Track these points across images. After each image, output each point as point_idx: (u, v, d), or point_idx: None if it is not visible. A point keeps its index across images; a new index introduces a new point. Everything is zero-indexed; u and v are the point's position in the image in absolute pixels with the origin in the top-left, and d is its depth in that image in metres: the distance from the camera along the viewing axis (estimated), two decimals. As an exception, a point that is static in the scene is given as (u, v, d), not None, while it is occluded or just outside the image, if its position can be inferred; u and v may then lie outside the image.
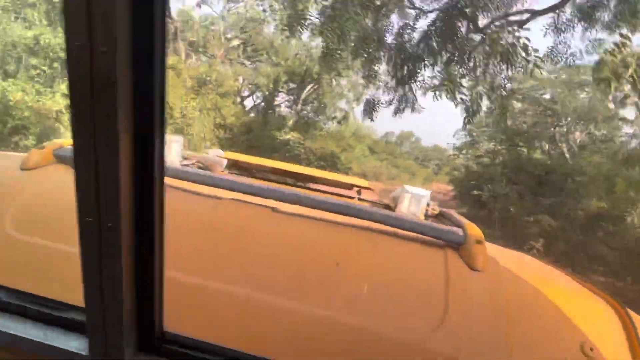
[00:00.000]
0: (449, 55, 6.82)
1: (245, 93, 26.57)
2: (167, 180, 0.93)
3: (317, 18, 7.43)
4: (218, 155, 1.98)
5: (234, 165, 2.02)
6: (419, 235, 1.09)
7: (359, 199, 2.01)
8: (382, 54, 8.56)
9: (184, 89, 12.25)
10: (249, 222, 1.12)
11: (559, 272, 1.39)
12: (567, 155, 24.52)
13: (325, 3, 7.67)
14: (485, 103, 7.96)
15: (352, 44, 8.06)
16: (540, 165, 18.48)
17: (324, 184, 2.02)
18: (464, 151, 25.09)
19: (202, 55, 18.46)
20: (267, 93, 21.85)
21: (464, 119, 7.48)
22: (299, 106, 25.44)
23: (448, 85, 6.48)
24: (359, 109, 32.80)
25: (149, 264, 0.73)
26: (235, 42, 18.78)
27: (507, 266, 1.11)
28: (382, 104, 8.91)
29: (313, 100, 27.22)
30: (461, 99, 7.31)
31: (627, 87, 26.45)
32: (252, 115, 22.09)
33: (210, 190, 1.18)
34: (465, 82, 6.99)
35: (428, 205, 1.51)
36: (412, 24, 8.24)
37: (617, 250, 11.21)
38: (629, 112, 27.65)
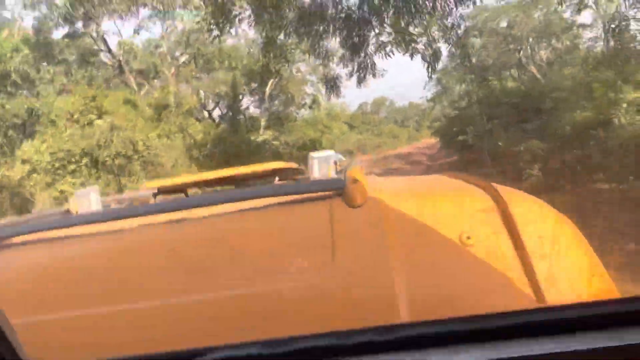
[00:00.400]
0: (393, 8, 6.43)
1: (211, 105, 26.03)
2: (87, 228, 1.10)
3: (247, 9, 6.96)
4: (146, 188, 1.91)
5: (162, 193, 1.91)
6: (309, 195, 1.12)
7: (280, 179, 2.04)
8: (327, 28, 8.15)
9: (143, 120, 11.77)
10: (153, 240, 1.14)
11: (440, 177, 1.47)
12: (539, 76, 24.33)
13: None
14: (443, 47, 7.59)
15: (294, 26, 7.68)
16: (514, 92, 18.23)
17: (248, 179, 2.09)
18: (438, 101, 24.81)
19: (156, 81, 17.88)
20: (229, 100, 21.35)
21: (427, 68, 7.13)
22: (267, 103, 24.95)
23: (397, 39, 6.12)
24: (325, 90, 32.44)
25: None
26: (183, 58, 18.18)
27: (389, 192, 1.13)
28: (341, 77, 8.53)
29: (279, 94, 26.72)
30: (414, 48, 6.93)
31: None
32: (222, 125, 21.62)
33: (120, 223, 1.17)
34: (416, 30, 6.63)
35: (336, 163, 1.54)
36: None
37: (613, 153, 10.99)
38: (585, 17, 27.44)
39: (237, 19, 7.02)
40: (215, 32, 6.80)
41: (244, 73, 24.08)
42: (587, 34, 26.14)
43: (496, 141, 15.99)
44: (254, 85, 25.76)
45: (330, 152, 1.52)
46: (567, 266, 0.94)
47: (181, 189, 1.91)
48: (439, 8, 5.82)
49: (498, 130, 16.23)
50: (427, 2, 5.71)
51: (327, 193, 1.10)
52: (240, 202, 1.11)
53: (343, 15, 7.43)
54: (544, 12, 24.46)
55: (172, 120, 12.23)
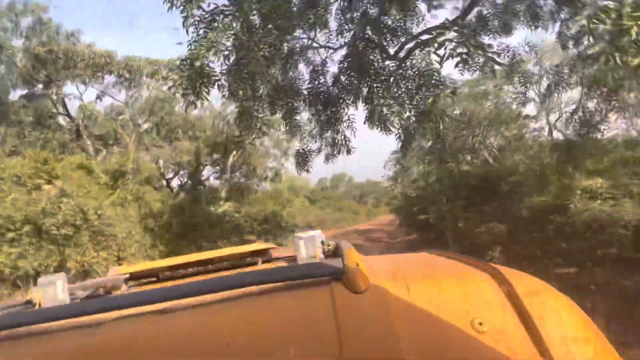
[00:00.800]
0: (368, 88, 6.46)
1: (170, 174, 25.35)
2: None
3: (221, 75, 6.80)
4: (118, 274, 1.71)
5: (136, 278, 1.77)
6: (307, 280, 1.03)
7: (264, 262, 1.83)
8: (300, 103, 8.11)
9: (98, 187, 11.03)
10: (133, 336, 1.01)
11: (440, 258, 1.41)
12: (491, 160, 25.53)
13: (227, 63, 7.17)
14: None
15: (268, 100, 7.58)
16: (471, 175, 18.80)
17: (227, 261, 1.87)
18: (398, 180, 25.25)
19: (115, 147, 17.24)
20: (191, 169, 20.87)
21: (401, 147, 7.05)
22: (228, 174, 24.57)
23: (372, 116, 6.10)
24: (288, 164, 32.48)
25: None
26: (145, 126, 17.80)
27: (391, 274, 1.06)
28: (312, 152, 8.34)
29: (241, 165, 26.50)
30: (388, 126, 6.93)
31: (522, 88, 28.37)
32: (181, 195, 20.88)
33: (93, 318, 1.03)
34: (390, 110, 6.66)
35: (323, 243, 1.45)
36: (320, 68, 7.90)
37: (571, 238, 11.18)
38: (530, 110, 29.62)
39: (216, 84, 6.81)
40: (191, 98, 6.52)
41: (206, 144, 23.86)
42: (532, 124, 28.22)
43: (456, 222, 16.13)
44: (216, 156, 25.51)
45: (316, 232, 1.42)
46: (582, 350, 0.92)
47: (154, 274, 1.73)
48: (413, 91, 5.89)
49: (458, 211, 16.43)
50: (401, 84, 5.76)
51: (325, 278, 1.03)
52: (229, 290, 1.03)
53: (316, 91, 7.42)
54: (494, 103, 26.25)
55: (129, 188, 11.54)
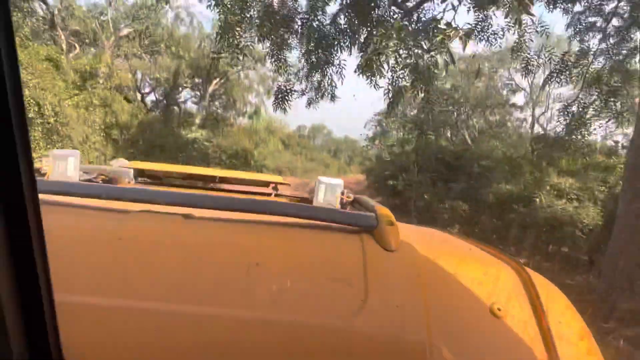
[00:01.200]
0: (367, 33, 5.95)
1: (147, 89, 24.21)
2: (64, 198, 1.00)
3: None
4: (123, 166, 1.71)
5: (141, 175, 1.77)
6: (334, 224, 1.04)
7: (276, 195, 1.87)
8: (292, 37, 7.53)
9: (63, 84, 10.19)
10: (160, 233, 1.01)
11: (466, 242, 1.39)
12: (469, 141, 25.54)
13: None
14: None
15: (256, 23, 6.96)
16: (447, 151, 18.72)
17: (238, 184, 1.92)
18: (376, 141, 25.02)
19: (91, 47, 16.06)
20: (168, 88, 19.93)
21: (388, 105, 6.68)
22: (207, 102, 23.67)
23: (371, 67, 5.65)
24: (269, 102, 31.64)
25: (33, 289, 0.66)
26: (126, 31, 16.57)
27: (420, 242, 1.09)
28: (294, 92, 7.83)
29: (221, 95, 25.56)
30: (376, 83, 6.52)
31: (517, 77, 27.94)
32: (155, 112, 20.05)
33: (116, 204, 1.03)
34: (386, 63, 6.22)
35: (342, 193, 1.46)
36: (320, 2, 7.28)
37: (528, 230, 11.34)
38: (518, 99, 29.51)
39: None
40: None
41: (189, 65, 22.75)
42: (517, 114, 28.24)
43: (423, 193, 16.16)
44: (197, 80, 24.43)
45: (338, 181, 1.40)
46: (579, 345, 0.96)
47: (161, 176, 1.71)
48: (412, 47, 5.45)
49: (427, 183, 16.43)
50: (403, 37, 5.31)
51: (357, 228, 1.02)
52: (266, 214, 1.01)
53: (311, 26, 6.86)
54: (485, 85, 25.96)
55: (97, 93, 10.76)
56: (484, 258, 1.12)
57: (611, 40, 10.34)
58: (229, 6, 6.02)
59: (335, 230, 1.04)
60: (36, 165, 1.35)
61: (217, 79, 23.21)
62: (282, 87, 7.82)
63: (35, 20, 14.43)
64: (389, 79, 6.14)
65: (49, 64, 10.04)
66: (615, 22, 11.31)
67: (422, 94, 6.47)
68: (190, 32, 20.88)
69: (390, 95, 6.29)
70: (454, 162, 17.98)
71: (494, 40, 7.33)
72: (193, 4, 20.96)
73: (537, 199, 11.39)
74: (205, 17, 23.04)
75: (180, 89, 25.68)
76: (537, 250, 11.66)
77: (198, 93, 25.36)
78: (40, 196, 0.88)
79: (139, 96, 23.45)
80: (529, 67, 8.34)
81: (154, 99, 23.78)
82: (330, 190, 1.35)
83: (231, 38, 6.12)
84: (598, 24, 11.43)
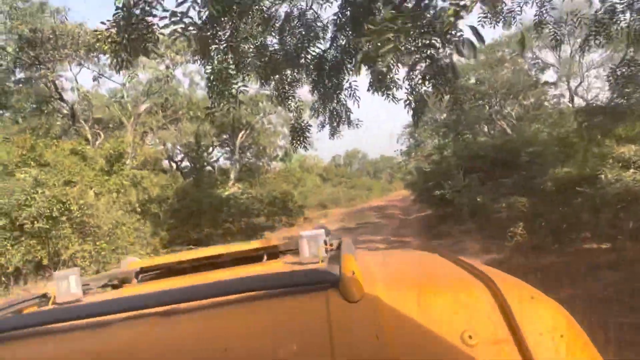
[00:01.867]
0: (368, 45, 5.42)
1: (179, 157, 24.71)
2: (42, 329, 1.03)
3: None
4: (127, 268, 1.70)
5: (147, 271, 1.69)
6: (301, 287, 1.04)
7: (269, 256, 1.74)
8: (297, 74, 7.16)
9: (92, 173, 10.30)
10: (137, 339, 1.03)
11: (436, 258, 1.40)
12: (509, 131, 24.22)
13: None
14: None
15: (262, 74, 6.66)
16: (488, 147, 17.63)
17: (235, 258, 1.78)
18: (412, 154, 24.17)
19: (115, 131, 16.51)
20: (199, 151, 20.18)
21: (413, 117, 6.06)
22: (237, 155, 23.80)
23: (383, 81, 5.13)
24: None
25: None
26: (143, 107, 16.94)
27: (387, 279, 1.09)
28: (309, 127, 7.39)
29: (250, 146, 25.71)
30: (393, 91, 5.96)
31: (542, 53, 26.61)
32: (189, 178, 20.26)
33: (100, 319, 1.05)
34: (399, 75, 5.70)
35: (326, 242, 1.43)
36: (313, 29, 6.87)
37: (601, 211, 10.14)
38: (549, 76, 27.95)
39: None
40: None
41: (215, 124, 23.06)
42: (552, 92, 26.64)
43: (474, 196, 15.12)
44: (224, 136, 24.73)
45: (319, 231, 1.42)
46: None
47: (166, 268, 1.73)
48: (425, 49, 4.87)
49: (476, 185, 15.39)
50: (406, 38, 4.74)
51: (322, 285, 1.02)
52: (226, 296, 1.02)
53: (314, 59, 6.46)
54: (511, 70, 24.76)
55: (125, 174, 10.82)
56: (454, 283, 1.09)
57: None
58: (219, 59, 5.72)
59: (303, 291, 1.02)
60: (41, 291, 1.43)
61: (243, 131, 23.36)
62: (296, 125, 7.41)
63: (61, 118, 15.05)
64: (406, 88, 5.58)
65: (75, 157, 10.22)
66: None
67: (448, 96, 5.82)
68: (207, 93, 21.24)
69: (412, 106, 5.68)
70: (498, 156, 16.86)
71: (512, 19, 6.62)
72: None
73: (602, 175, 10.22)
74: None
75: (211, 148, 26.09)
76: (617, 230, 10.39)
77: (228, 149, 25.61)
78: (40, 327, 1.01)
79: (174, 165, 23.93)
80: (558, 38, 7.51)
81: (188, 164, 24.20)
82: (313, 243, 1.36)
83: (223, 87, 5.79)
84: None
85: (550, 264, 10.38)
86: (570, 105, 24.84)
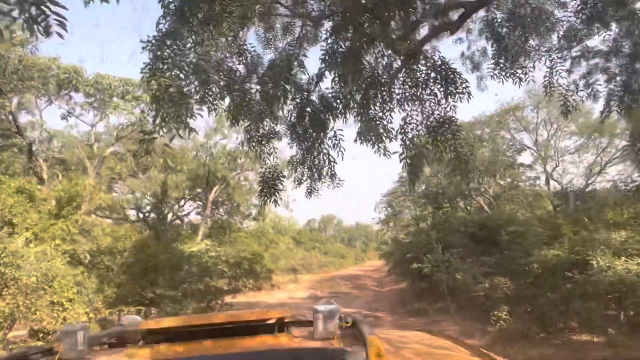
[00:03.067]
0: (362, 93, 4.73)
1: (147, 208, 23.25)
2: None
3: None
4: (133, 323, 1.68)
5: (152, 334, 1.63)
6: None
7: (279, 328, 1.61)
8: (273, 123, 6.37)
9: (36, 215, 9.01)
10: None
11: (445, 343, 1.42)
12: (486, 208, 23.84)
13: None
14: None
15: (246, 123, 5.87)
16: (469, 223, 16.94)
17: (243, 327, 1.67)
18: (390, 223, 23.35)
19: (79, 173, 15.27)
20: (163, 200, 18.91)
21: (408, 174, 5.21)
22: (209, 210, 22.52)
23: (375, 130, 4.37)
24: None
25: None
26: (111, 150, 15.83)
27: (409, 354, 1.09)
28: (282, 177, 6.41)
29: (224, 202, 24.52)
30: (384, 149, 5.17)
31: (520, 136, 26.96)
32: (152, 230, 18.80)
33: None
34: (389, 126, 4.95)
35: (341, 319, 1.40)
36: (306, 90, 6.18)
37: (592, 300, 9.27)
38: (525, 158, 28.21)
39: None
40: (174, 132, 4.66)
41: (188, 177, 21.98)
42: (527, 173, 26.75)
43: (454, 273, 14.13)
44: (199, 190, 23.57)
45: (334, 307, 1.39)
46: None
47: (174, 331, 1.61)
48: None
49: (455, 262, 14.47)
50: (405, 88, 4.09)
51: None
52: None
53: (296, 106, 5.70)
54: (490, 149, 24.85)
55: (74, 219, 9.55)
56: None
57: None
58: (170, 73, 4.87)
59: None
60: (47, 345, 1.35)
61: (218, 186, 22.30)
62: (267, 174, 6.44)
63: (16, 154, 13.83)
64: (402, 141, 4.78)
65: (21, 196, 8.98)
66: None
67: (450, 154, 5.03)
68: (184, 142, 20.41)
69: (407, 161, 4.84)
70: (477, 233, 16.14)
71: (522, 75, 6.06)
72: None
73: (594, 262, 9.46)
74: (197, 126, 22.62)
75: (183, 201, 24.76)
76: (613, 323, 9.48)
77: (200, 203, 24.36)
78: None
79: (140, 215, 22.43)
80: (568, 106, 6.94)
81: (154, 216, 22.75)
82: (328, 319, 1.30)
83: (169, 108, 4.84)
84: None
85: (541, 357, 9.28)
86: (546, 188, 24.89)
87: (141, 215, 22.81)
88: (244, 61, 6.38)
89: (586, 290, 9.27)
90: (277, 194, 6.26)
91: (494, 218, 16.87)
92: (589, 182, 23.20)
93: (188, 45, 5.14)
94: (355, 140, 4.92)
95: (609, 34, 8.06)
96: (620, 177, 24.01)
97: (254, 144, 6.57)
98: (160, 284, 11.43)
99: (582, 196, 20.44)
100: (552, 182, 25.66)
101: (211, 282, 11.67)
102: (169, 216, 23.88)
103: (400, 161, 4.80)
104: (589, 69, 13.61)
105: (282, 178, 6.29)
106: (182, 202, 24.64)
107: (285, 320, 1.61)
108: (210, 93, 5.28)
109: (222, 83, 5.55)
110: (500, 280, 11.13)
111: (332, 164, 6.16)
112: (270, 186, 6.26)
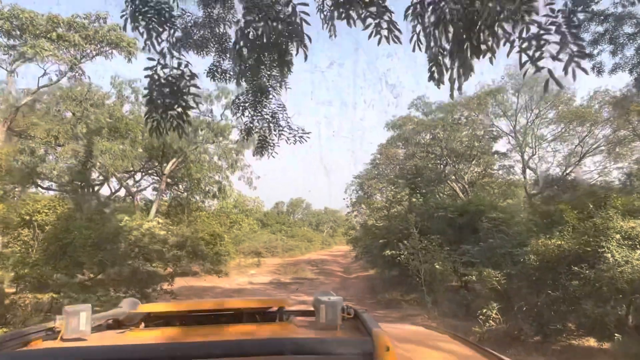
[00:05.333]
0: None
1: (99, 177, 20.39)
2: None
3: None
4: (131, 309, 1.59)
5: (152, 317, 1.59)
6: (330, 356, 0.98)
7: (281, 318, 1.57)
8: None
9: None
10: None
11: (446, 339, 1.38)
12: (461, 195, 22.25)
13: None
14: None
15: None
16: (450, 208, 15.11)
17: (244, 315, 1.63)
18: (362, 205, 21.36)
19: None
20: (78, 169, 16.23)
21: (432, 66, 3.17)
22: (164, 185, 19.90)
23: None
24: (235, 179, 27.74)
25: None
26: (28, 100, 12.91)
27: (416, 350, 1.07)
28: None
29: (183, 178, 21.88)
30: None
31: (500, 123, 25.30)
32: (90, 203, 16.16)
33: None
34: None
35: (343, 310, 1.35)
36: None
37: (605, 300, 7.52)
38: (501, 146, 26.66)
39: None
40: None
41: (144, 146, 19.24)
42: (501, 162, 25.32)
43: (432, 262, 12.27)
44: (156, 164, 20.85)
45: (336, 298, 1.35)
46: None
47: (173, 315, 1.60)
48: None
49: (434, 249, 12.59)
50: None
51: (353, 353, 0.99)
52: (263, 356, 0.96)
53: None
54: (468, 134, 23.19)
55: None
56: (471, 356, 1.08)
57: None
58: None
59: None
60: (49, 324, 1.33)
61: (175, 159, 19.67)
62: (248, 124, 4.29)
63: None
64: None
65: None
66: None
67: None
68: (137, 109, 17.64)
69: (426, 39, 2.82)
70: (458, 219, 14.33)
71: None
72: (136, 80, 17.87)
73: (608, 254, 7.65)
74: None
75: (139, 175, 22.00)
76: (623, 326, 7.73)
77: (156, 178, 21.69)
78: None
79: (87, 187, 19.60)
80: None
81: (111, 189, 20.04)
82: (330, 310, 1.28)
83: None
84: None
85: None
86: (522, 176, 23.52)
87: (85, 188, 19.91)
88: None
89: (600, 289, 7.48)
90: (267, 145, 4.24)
91: (475, 203, 15.09)
92: (567, 172, 21.89)
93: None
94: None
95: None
96: (597, 169, 22.98)
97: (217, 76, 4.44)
98: (87, 266, 9.03)
99: (562, 184, 18.96)
100: (527, 172, 24.30)
101: (145, 267, 9.31)
102: (122, 191, 21.07)
103: (411, 41, 2.72)
104: (595, 38, 11.88)
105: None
106: (138, 176, 21.92)
107: (286, 309, 1.54)
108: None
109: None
110: (489, 272, 9.25)
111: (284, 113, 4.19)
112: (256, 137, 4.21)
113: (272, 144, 4.81)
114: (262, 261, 25.46)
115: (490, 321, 8.82)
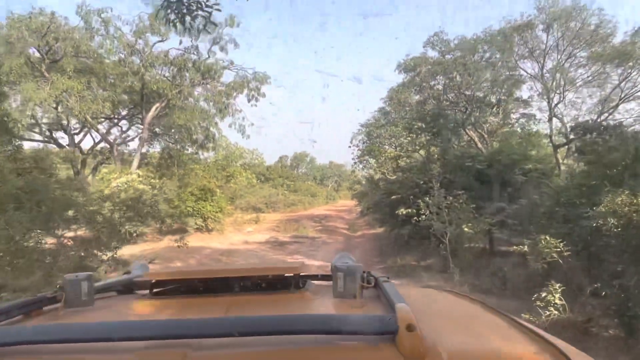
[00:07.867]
0: None
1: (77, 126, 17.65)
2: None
3: None
4: (140, 274, 1.50)
5: (161, 284, 1.43)
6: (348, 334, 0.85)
7: (297, 286, 1.35)
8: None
9: None
10: None
11: (480, 312, 1.20)
12: (478, 144, 19.42)
13: None
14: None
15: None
16: (479, 157, 12.33)
17: (256, 282, 1.42)
18: (368, 156, 18.57)
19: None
20: (90, 120, 13.58)
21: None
22: (146, 133, 17.13)
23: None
24: (225, 126, 24.49)
25: None
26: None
27: (450, 344, 0.87)
28: None
29: (172, 126, 19.05)
30: None
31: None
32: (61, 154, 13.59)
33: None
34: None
35: (362, 279, 1.16)
36: None
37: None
38: (524, 92, 23.32)
39: None
40: None
41: (122, 89, 16.36)
42: (522, 110, 22.25)
43: (458, 224, 9.66)
44: (138, 110, 17.97)
45: (357, 266, 1.18)
46: None
47: (182, 284, 1.41)
48: None
49: (460, 208, 9.93)
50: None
51: (373, 337, 0.87)
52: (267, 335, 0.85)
53: None
54: (487, 77, 19.98)
55: None
56: (518, 349, 0.89)
57: None
58: None
59: (351, 339, 0.84)
60: (49, 293, 1.22)
61: (158, 104, 16.78)
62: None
63: None
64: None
65: None
66: None
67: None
68: (108, 42, 14.61)
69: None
70: (486, 171, 11.60)
71: None
72: (105, 10, 14.65)
73: None
74: (125, 20, 15.09)
75: (127, 124, 19.20)
76: None
77: (141, 126, 18.82)
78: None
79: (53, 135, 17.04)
80: None
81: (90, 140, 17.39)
82: (349, 278, 1.12)
83: None
84: None
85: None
86: (548, 125, 20.50)
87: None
88: None
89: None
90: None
91: (506, 152, 12.28)
92: (600, 118, 18.81)
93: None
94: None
95: None
96: (631, 117, 19.85)
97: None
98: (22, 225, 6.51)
99: (605, 131, 15.93)
100: (553, 120, 21.18)
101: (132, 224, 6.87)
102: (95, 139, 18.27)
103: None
104: None
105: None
106: (124, 126, 19.14)
107: (302, 275, 1.36)
108: None
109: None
110: (549, 241, 6.62)
111: None
112: None
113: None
114: (262, 217, 23.11)
115: (551, 308, 6.28)
